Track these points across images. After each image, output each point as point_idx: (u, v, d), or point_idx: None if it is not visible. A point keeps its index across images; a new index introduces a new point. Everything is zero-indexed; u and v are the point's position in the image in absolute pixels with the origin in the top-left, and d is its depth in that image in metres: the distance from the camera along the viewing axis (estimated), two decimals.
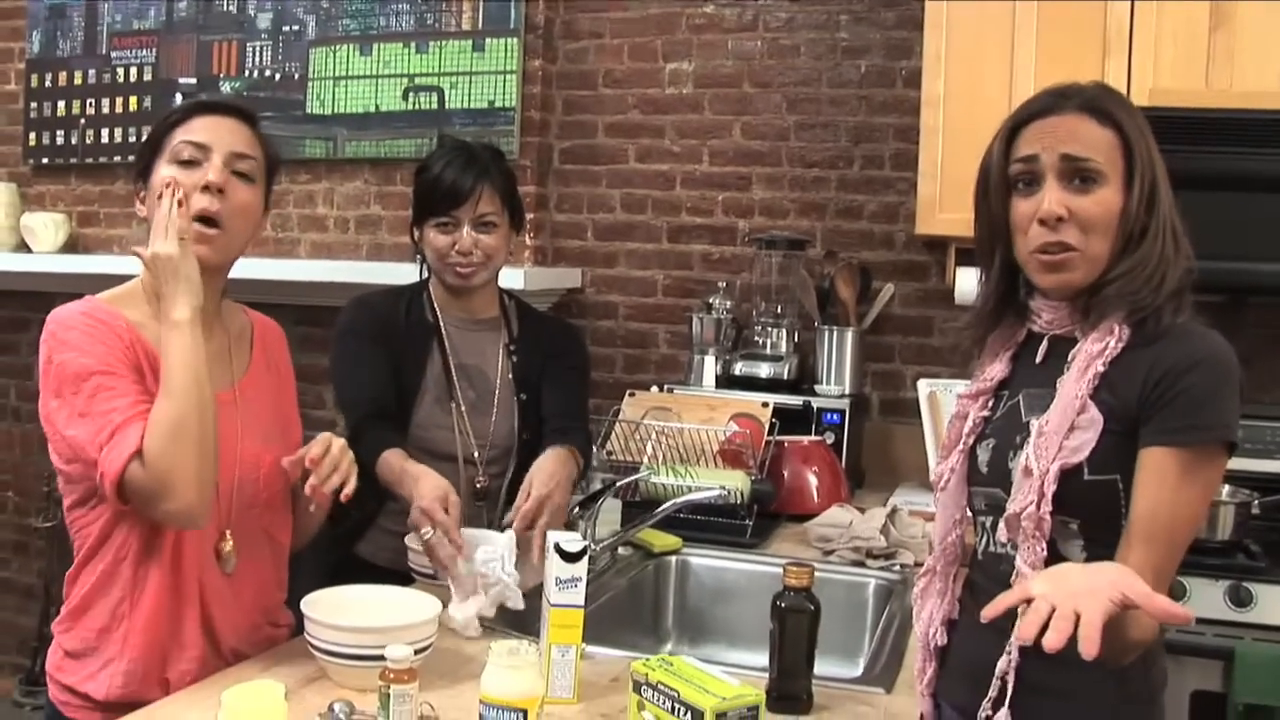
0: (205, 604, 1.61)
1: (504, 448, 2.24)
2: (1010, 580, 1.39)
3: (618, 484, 2.13)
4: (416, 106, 3.53)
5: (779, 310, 3.15)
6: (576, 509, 2.04)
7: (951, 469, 1.54)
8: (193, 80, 3.82)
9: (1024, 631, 1.09)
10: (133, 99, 3.92)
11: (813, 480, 2.70)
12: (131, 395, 1.51)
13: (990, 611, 1.17)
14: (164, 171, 1.60)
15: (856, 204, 3.26)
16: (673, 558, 2.32)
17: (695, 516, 2.42)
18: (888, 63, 3.22)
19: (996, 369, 1.54)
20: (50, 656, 1.62)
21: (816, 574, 2.16)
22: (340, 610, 1.55)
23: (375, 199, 3.64)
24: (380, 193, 3.63)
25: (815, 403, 2.92)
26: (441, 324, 2.25)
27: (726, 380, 3.08)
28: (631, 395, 2.83)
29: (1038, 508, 1.36)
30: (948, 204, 2.77)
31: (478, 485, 2.19)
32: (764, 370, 3.05)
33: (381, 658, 1.37)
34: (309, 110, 3.64)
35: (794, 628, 1.51)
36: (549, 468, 2.04)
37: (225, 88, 3.75)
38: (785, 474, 2.68)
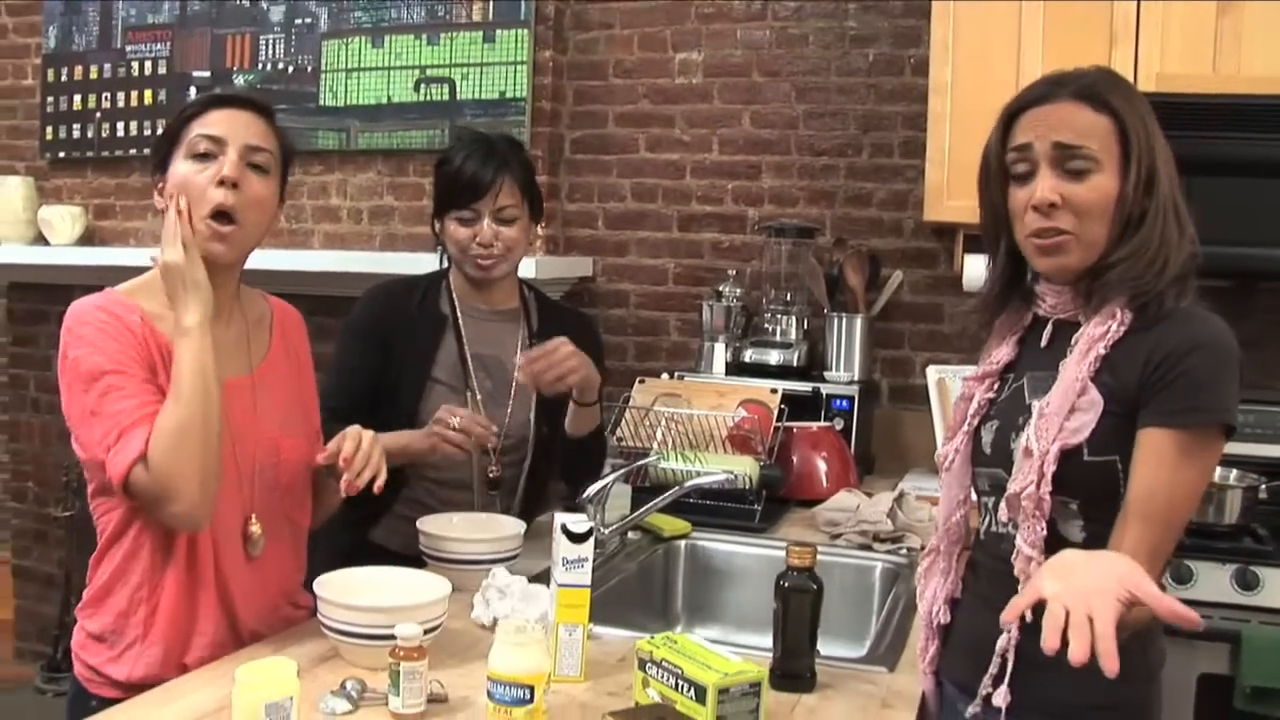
0: (225, 588, 1.64)
1: (519, 438, 2.26)
2: (1011, 559, 1.41)
3: (626, 469, 2.15)
4: (428, 98, 3.56)
5: (789, 298, 3.17)
6: (586, 494, 2.05)
7: (956, 450, 1.56)
8: (206, 73, 3.85)
9: (1048, 642, 1.09)
10: (147, 92, 3.96)
11: (821, 466, 2.71)
12: (139, 396, 1.54)
13: (1009, 615, 1.16)
14: (180, 165, 1.62)
15: (865, 191, 3.28)
16: (682, 542, 2.35)
17: (705, 501, 2.45)
18: (896, 51, 3.23)
19: (1003, 353, 1.55)
20: (75, 635, 1.66)
21: (824, 558, 2.20)
22: (352, 591, 1.58)
23: (388, 190, 3.67)
24: (393, 183, 3.66)
25: (824, 389, 2.94)
26: (458, 314, 2.26)
27: (737, 367, 3.10)
28: (641, 382, 2.85)
29: (1038, 487, 1.37)
30: (955, 190, 2.78)
31: (490, 474, 2.20)
32: (774, 357, 3.07)
33: (392, 637, 1.40)
34: (322, 102, 3.67)
35: (797, 607, 1.53)
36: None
37: (239, 81, 3.78)
38: (794, 459, 2.70)
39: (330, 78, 3.66)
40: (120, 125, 4.00)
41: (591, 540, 1.52)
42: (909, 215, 3.21)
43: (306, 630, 1.66)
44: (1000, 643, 1.39)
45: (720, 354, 3.13)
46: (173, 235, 1.57)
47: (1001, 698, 1.39)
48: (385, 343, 2.21)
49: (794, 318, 3.14)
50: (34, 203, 4.06)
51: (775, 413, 2.69)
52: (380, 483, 1.69)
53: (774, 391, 2.75)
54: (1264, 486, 2.54)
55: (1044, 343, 1.50)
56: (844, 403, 2.93)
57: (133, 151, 3.98)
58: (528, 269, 3.00)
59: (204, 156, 1.62)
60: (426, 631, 1.45)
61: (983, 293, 1.60)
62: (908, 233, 3.23)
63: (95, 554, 1.64)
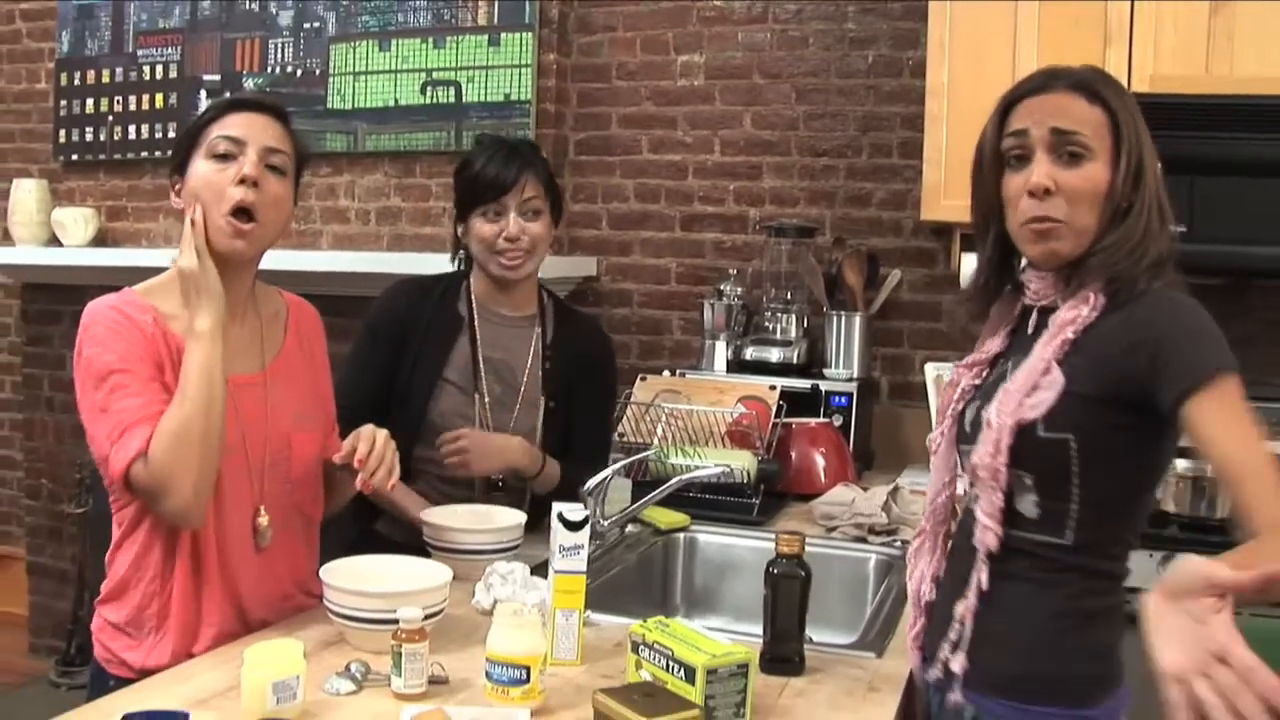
0: (231, 580, 1.69)
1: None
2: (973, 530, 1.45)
3: (625, 463, 2.19)
4: (434, 100, 3.60)
5: (789, 296, 3.22)
6: (586, 487, 2.10)
7: (941, 433, 1.61)
8: (217, 77, 3.90)
9: None
10: (159, 96, 4.01)
11: (820, 461, 2.76)
12: (145, 395, 1.59)
13: None
14: (200, 165, 1.68)
15: (865, 191, 3.32)
16: (681, 534, 2.39)
17: (704, 495, 2.50)
18: (894, 53, 3.27)
19: (994, 343, 1.60)
20: (95, 620, 1.72)
21: (821, 550, 2.25)
22: (357, 578, 1.63)
23: (395, 191, 3.72)
24: (400, 185, 3.71)
25: (823, 386, 2.98)
26: (475, 316, 2.30)
27: (738, 365, 3.14)
28: (643, 379, 2.90)
29: (994, 458, 1.42)
30: (952, 190, 2.81)
31: (494, 478, 2.24)
32: (774, 355, 3.12)
33: (395, 622, 1.45)
34: (330, 105, 3.72)
35: (786, 593, 1.58)
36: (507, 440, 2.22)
37: (248, 84, 3.84)
38: (793, 455, 2.74)
39: (338, 81, 3.71)
40: (132, 128, 4.05)
41: (587, 528, 1.57)
42: (908, 215, 3.25)
43: (314, 617, 1.71)
44: (958, 609, 1.45)
45: (721, 352, 3.17)
46: (189, 242, 1.63)
47: (959, 664, 1.45)
48: (400, 339, 2.26)
49: (794, 316, 3.19)
50: (48, 204, 4.11)
51: (774, 409, 2.74)
52: (394, 481, 1.75)
53: (772, 388, 2.80)
54: None
55: (1030, 330, 1.54)
56: (843, 399, 2.97)
57: (144, 154, 4.04)
58: None
59: (224, 157, 1.67)
60: (428, 616, 1.50)
61: (971, 283, 1.64)
62: (907, 232, 3.27)
63: (111, 548, 1.71)
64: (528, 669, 1.37)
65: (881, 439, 3.19)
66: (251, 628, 1.70)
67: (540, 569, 1.80)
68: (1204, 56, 2.64)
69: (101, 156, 4.12)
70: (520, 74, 3.50)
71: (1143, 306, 1.40)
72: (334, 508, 1.92)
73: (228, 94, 3.76)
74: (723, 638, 1.42)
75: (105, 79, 4.09)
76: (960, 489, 1.63)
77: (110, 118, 4.09)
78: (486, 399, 2.27)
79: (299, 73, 3.77)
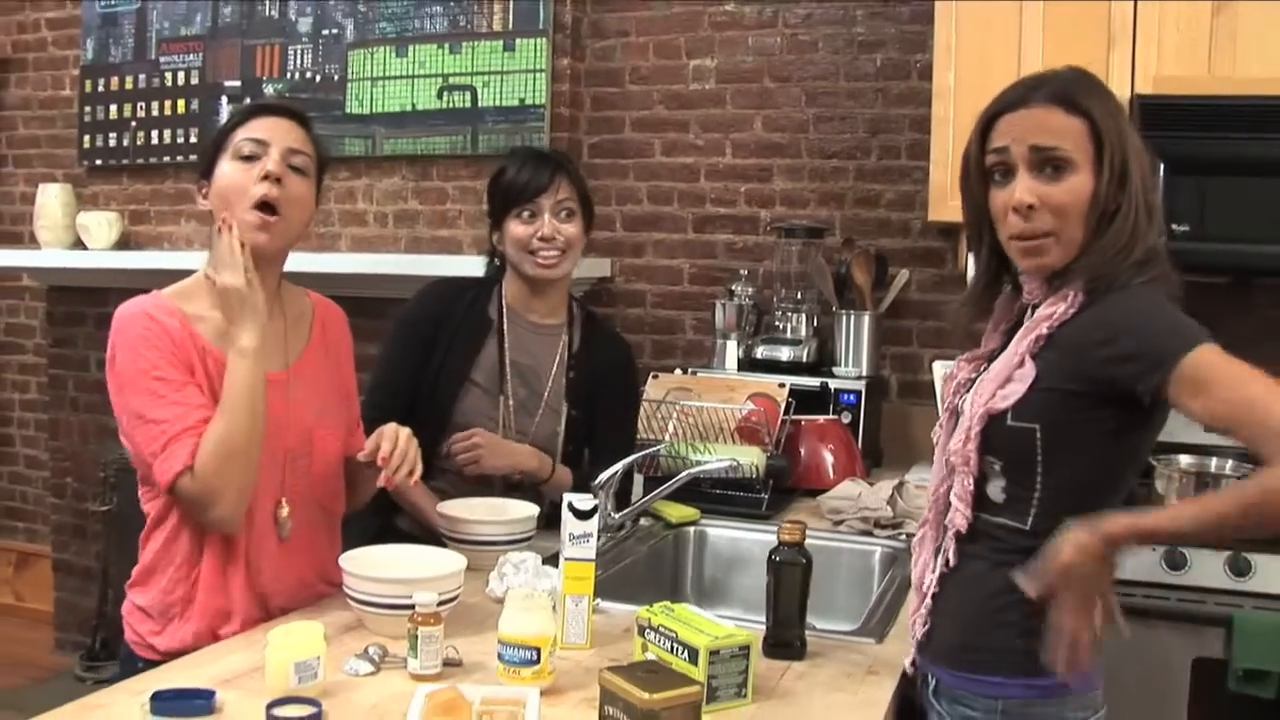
0: (256, 569, 1.76)
1: (544, 448, 2.34)
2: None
3: (637, 457, 2.25)
4: (451, 105, 3.67)
5: (799, 296, 3.27)
6: (597, 481, 2.16)
7: (940, 425, 1.65)
8: (237, 83, 3.98)
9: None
10: (181, 102, 4.09)
11: (828, 457, 2.81)
12: (183, 405, 1.67)
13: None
14: (225, 166, 1.76)
15: (874, 193, 3.37)
16: (691, 528, 2.45)
17: (714, 490, 2.56)
18: (902, 56, 3.32)
19: (994, 339, 1.64)
20: (125, 605, 1.80)
21: (827, 543, 2.31)
22: (375, 566, 1.69)
23: (412, 194, 3.79)
24: (417, 188, 3.78)
25: (832, 384, 3.03)
26: (505, 321, 2.35)
27: (749, 364, 3.19)
28: (655, 377, 2.95)
29: (964, 445, 1.48)
30: (959, 191, 2.85)
31: (514, 479, 2.30)
32: (784, 354, 3.17)
33: (412, 607, 1.51)
34: (348, 110, 3.79)
35: (788, 580, 1.63)
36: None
37: (268, 90, 3.91)
38: (802, 451, 2.80)
39: (356, 86, 3.78)
40: (155, 134, 4.14)
41: (596, 517, 1.63)
42: (916, 216, 3.29)
43: (333, 603, 1.78)
44: (925, 585, 1.53)
45: (733, 351, 3.22)
46: (235, 260, 1.70)
47: (919, 630, 1.53)
48: (431, 338, 2.32)
49: (804, 315, 3.24)
50: (73, 208, 4.19)
51: (783, 406, 2.79)
52: (416, 477, 1.83)
53: (781, 386, 2.85)
54: None
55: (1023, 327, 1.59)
56: (851, 397, 3.01)
57: (167, 159, 4.12)
58: None
59: (249, 158, 1.75)
60: (443, 602, 1.56)
61: (969, 288, 1.69)
62: (915, 232, 3.32)
63: (142, 535, 1.79)
64: (538, 650, 1.43)
65: (890, 436, 3.24)
66: (273, 615, 1.77)
67: (552, 560, 1.86)
68: (1207, 57, 2.67)
69: (125, 161, 4.20)
70: (535, 79, 3.56)
71: (1107, 303, 1.43)
72: (356, 503, 1.99)
73: (249, 99, 3.85)
74: (727, 623, 1.48)
75: (129, 85, 4.18)
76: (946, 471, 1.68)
77: (133, 123, 4.17)
78: (511, 402, 2.32)
79: (318, 78, 3.84)
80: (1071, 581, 1.36)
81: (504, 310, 2.36)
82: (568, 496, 1.65)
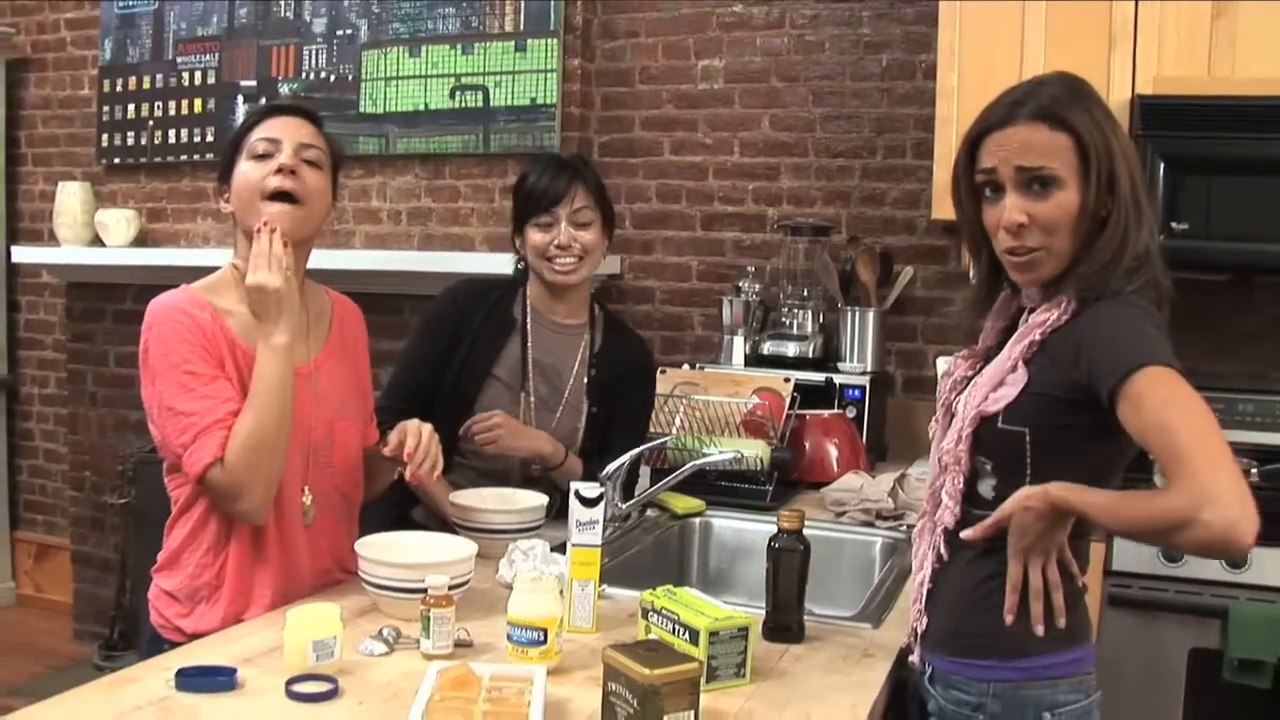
0: (283, 555, 1.83)
1: (564, 444, 2.39)
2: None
3: (644, 449, 2.30)
4: (463, 104, 3.72)
5: (805, 293, 3.32)
6: (605, 472, 2.21)
7: (936, 421, 1.70)
8: (253, 83, 4.04)
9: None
10: (197, 101, 4.16)
11: (833, 451, 2.86)
12: (212, 398, 1.73)
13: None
14: (243, 166, 1.83)
15: (879, 191, 3.42)
16: (697, 519, 2.51)
17: (720, 482, 2.61)
18: (908, 56, 3.36)
19: (991, 337, 1.69)
20: (151, 589, 1.87)
21: (830, 533, 2.37)
22: (389, 551, 1.76)
23: (425, 192, 3.84)
24: (430, 186, 3.83)
25: (837, 379, 3.08)
26: (528, 320, 2.42)
27: (756, 359, 3.24)
28: (663, 372, 3.00)
29: (956, 445, 1.53)
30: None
31: (533, 471, 2.37)
32: (790, 349, 3.22)
33: (424, 591, 1.57)
34: (362, 109, 3.85)
35: (787, 565, 1.69)
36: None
37: (283, 90, 3.97)
38: (807, 445, 2.85)
39: (370, 86, 3.84)
40: (172, 133, 4.21)
41: (602, 505, 1.69)
42: (921, 214, 3.33)
43: (349, 588, 1.84)
44: (919, 578, 1.59)
45: (740, 347, 3.28)
46: (274, 261, 1.75)
47: (919, 622, 1.58)
48: (454, 336, 2.38)
49: (810, 312, 3.29)
50: (91, 206, 4.26)
51: (788, 400, 2.84)
52: (438, 472, 1.91)
53: (786, 380, 2.90)
54: (1255, 471, 2.66)
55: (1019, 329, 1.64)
56: (856, 392, 3.06)
57: (184, 157, 4.18)
58: None
59: (263, 156, 1.82)
60: (454, 586, 1.62)
61: (971, 291, 1.73)
62: (920, 230, 3.36)
63: (169, 521, 1.85)
64: (545, 631, 1.48)
65: (895, 431, 3.28)
66: (293, 600, 1.82)
67: (560, 548, 1.92)
68: (1206, 58, 2.70)
69: (143, 160, 4.27)
70: (546, 79, 3.61)
71: (1089, 315, 1.46)
72: (373, 493, 2.06)
73: (264, 99, 3.91)
74: (726, 605, 1.53)
75: (146, 85, 4.24)
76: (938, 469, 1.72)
77: (151, 122, 4.23)
78: (532, 399, 2.39)
79: (332, 78, 3.90)
80: (1017, 530, 1.43)
81: (528, 310, 2.42)
82: (575, 485, 1.71)
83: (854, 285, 3.27)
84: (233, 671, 1.43)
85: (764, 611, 1.72)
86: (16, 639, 4.42)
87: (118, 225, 4.17)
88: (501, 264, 2.76)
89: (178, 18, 4.17)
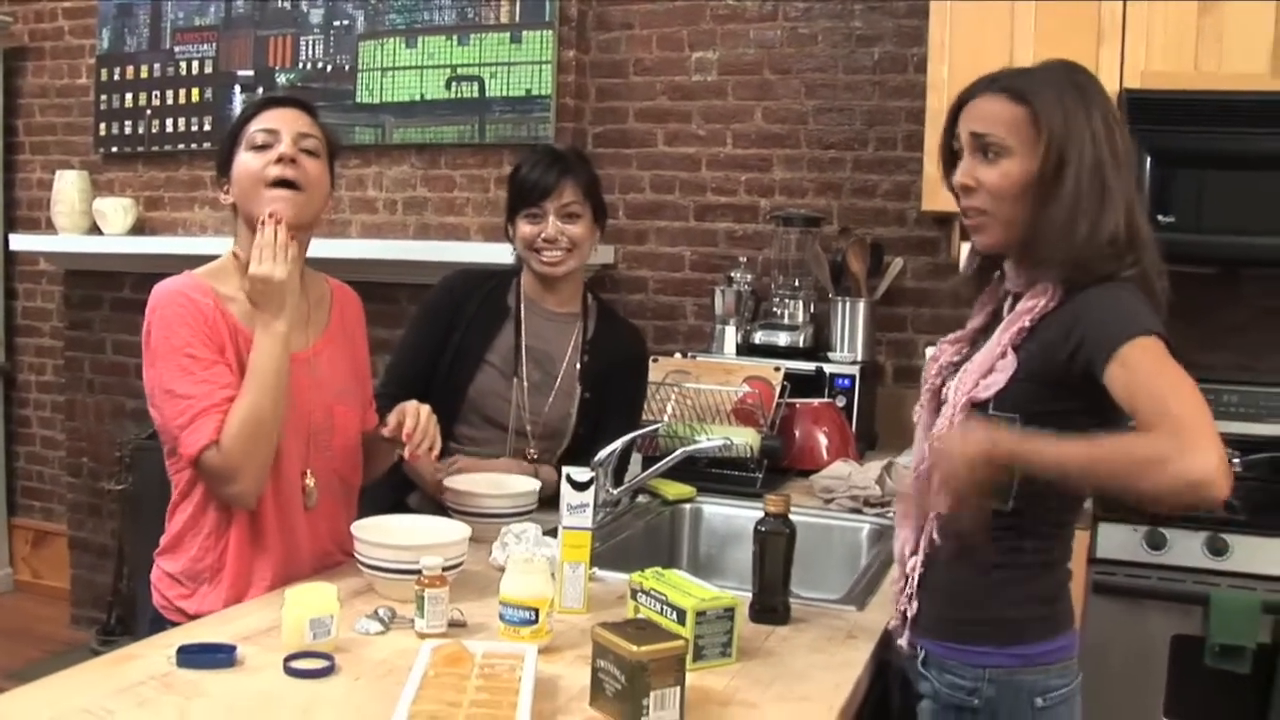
0: (284, 538, 1.86)
1: (555, 429, 2.45)
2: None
3: (635, 435, 2.34)
4: (459, 95, 3.75)
5: (796, 283, 3.35)
6: (597, 459, 2.24)
7: (921, 405, 1.74)
8: (250, 73, 4.06)
9: None
10: (195, 91, 4.17)
11: (822, 439, 2.90)
12: (211, 382, 1.76)
13: None
14: (243, 157, 1.86)
15: (871, 183, 3.45)
16: (687, 505, 2.55)
17: (711, 469, 2.65)
18: (899, 49, 3.39)
19: (977, 321, 1.73)
20: (154, 571, 1.90)
21: (819, 520, 2.40)
22: (385, 533, 1.79)
23: (421, 182, 3.87)
24: (426, 176, 3.86)
25: (827, 368, 3.12)
26: (522, 308, 2.46)
27: (747, 349, 3.28)
28: (655, 361, 3.04)
29: (948, 431, 1.56)
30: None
31: (528, 456, 2.41)
32: (781, 339, 3.25)
33: (419, 572, 1.61)
34: (359, 100, 3.87)
35: (773, 548, 1.73)
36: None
37: (280, 80, 3.99)
38: (797, 433, 2.89)
39: (367, 76, 3.87)
40: (169, 122, 4.23)
41: (592, 489, 1.72)
42: (911, 205, 3.37)
43: (346, 570, 1.88)
44: (910, 563, 1.61)
45: (731, 336, 3.31)
46: (279, 252, 1.79)
47: (909, 606, 1.61)
48: (449, 323, 2.43)
49: (801, 302, 3.32)
50: (89, 195, 4.28)
51: (778, 388, 2.88)
52: (436, 452, 1.96)
53: (777, 369, 2.94)
54: (1238, 460, 2.70)
55: (1006, 313, 1.67)
56: (846, 381, 3.10)
57: (181, 146, 4.20)
58: None
59: (262, 147, 1.85)
60: (448, 569, 1.66)
61: (964, 270, 1.78)
62: (910, 222, 3.40)
63: (170, 505, 1.89)
64: (536, 610, 1.52)
65: (885, 420, 3.32)
66: (293, 583, 1.86)
67: (551, 533, 1.96)
68: (1193, 54, 2.73)
69: (140, 149, 4.29)
70: (541, 70, 3.64)
71: (1079, 297, 1.50)
72: (371, 476, 2.10)
73: (261, 89, 3.94)
74: (713, 587, 1.57)
75: (144, 74, 4.26)
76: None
77: (148, 112, 4.25)
78: (525, 384, 2.42)
79: (329, 68, 3.92)
80: (946, 462, 1.48)
81: (521, 298, 2.46)
82: (566, 469, 1.75)
83: (845, 276, 3.30)
84: (232, 649, 1.47)
85: (751, 594, 1.76)
86: (14, 625, 4.45)
87: (115, 213, 4.20)
88: (496, 253, 2.79)
89: (175, 7, 4.19)
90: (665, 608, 1.53)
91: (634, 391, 2.57)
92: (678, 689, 1.31)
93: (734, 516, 2.50)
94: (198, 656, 1.45)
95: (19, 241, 4.40)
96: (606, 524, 2.22)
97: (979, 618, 1.57)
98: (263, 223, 1.80)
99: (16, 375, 4.80)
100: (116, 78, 4.31)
